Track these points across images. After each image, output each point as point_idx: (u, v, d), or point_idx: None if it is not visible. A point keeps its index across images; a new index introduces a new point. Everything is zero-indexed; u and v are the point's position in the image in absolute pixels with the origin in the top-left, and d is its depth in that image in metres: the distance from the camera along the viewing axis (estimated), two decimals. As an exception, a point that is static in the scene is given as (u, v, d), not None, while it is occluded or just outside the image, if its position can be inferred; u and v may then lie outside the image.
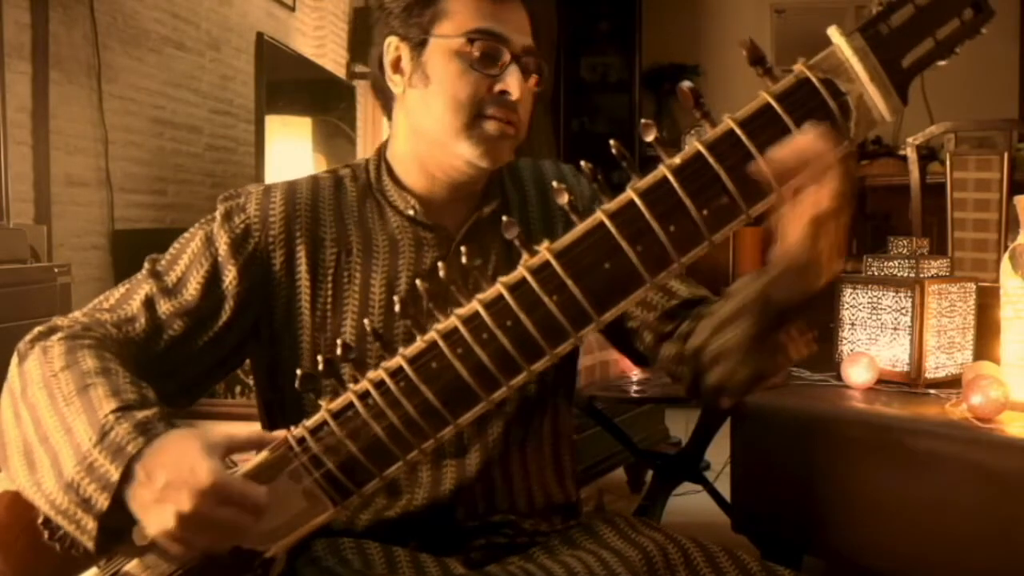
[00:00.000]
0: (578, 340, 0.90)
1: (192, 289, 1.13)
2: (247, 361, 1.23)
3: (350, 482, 0.93)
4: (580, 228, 0.88)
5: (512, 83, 1.11)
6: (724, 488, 2.30)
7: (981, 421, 1.76)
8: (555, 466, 1.24)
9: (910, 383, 2.03)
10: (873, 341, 2.09)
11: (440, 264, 0.94)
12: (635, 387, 2.32)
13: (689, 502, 2.69)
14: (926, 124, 4.07)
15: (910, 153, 3.68)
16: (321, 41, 4.49)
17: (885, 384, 2.06)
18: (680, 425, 2.93)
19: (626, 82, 6.68)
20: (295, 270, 1.15)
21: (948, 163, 3.49)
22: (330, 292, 1.15)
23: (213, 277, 1.13)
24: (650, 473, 2.62)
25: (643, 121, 0.87)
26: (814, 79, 0.84)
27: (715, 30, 6.68)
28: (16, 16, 2.59)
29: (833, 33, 0.85)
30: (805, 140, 0.84)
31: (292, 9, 4.22)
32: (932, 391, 2.00)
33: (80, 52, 2.87)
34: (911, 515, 1.79)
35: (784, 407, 2.02)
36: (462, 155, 1.14)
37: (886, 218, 4.96)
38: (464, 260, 0.91)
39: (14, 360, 1.05)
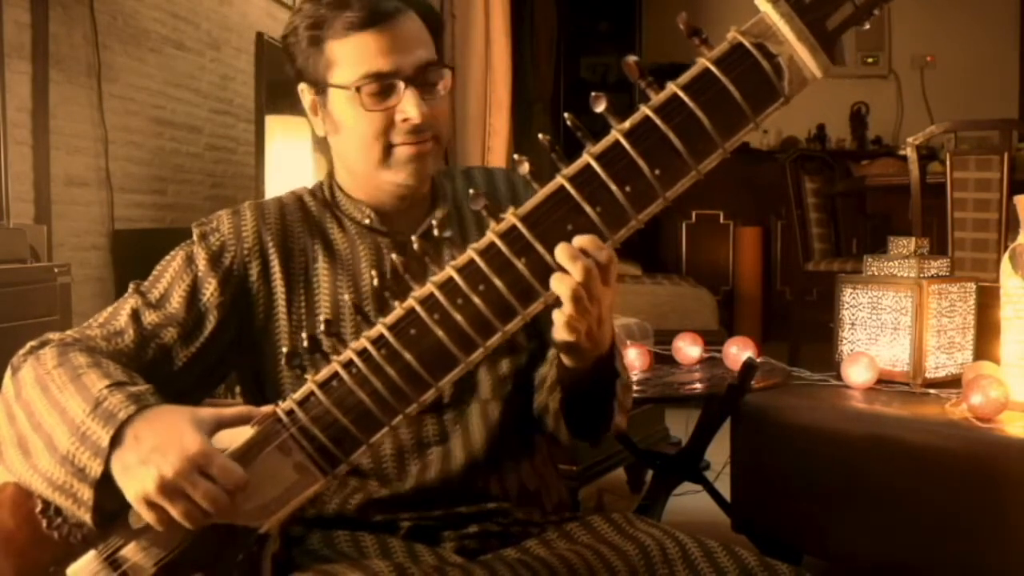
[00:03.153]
0: (548, 299, 0.95)
1: (176, 302, 1.18)
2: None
3: (338, 450, 0.96)
4: (542, 192, 0.94)
5: (410, 109, 1.15)
6: (724, 488, 2.30)
7: (981, 421, 1.76)
8: (529, 454, 1.27)
9: (910, 383, 2.03)
10: (873, 341, 2.08)
11: (415, 240, 0.98)
12: (635, 387, 2.32)
13: (689, 502, 2.69)
14: (926, 124, 4.07)
15: (910, 153, 3.68)
16: (321, 41, 4.49)
17: (885, 384, 2.06)
18: (680, 425, 2.93)
19: (626, 82, 6.63)
20: (271, 279, 1.21)
21: (948, 163, 3.50)
22: (303, 299, 1.21)
23: (194, 290, 1.19)
24: (650, 473, 2.62)
25: (593, 94, 0.92)
26: (746, 43, 0.91)
27: (715, 30, 6.68)
28: (16, 16, 2.59)
29: (760, 1, 0.91)
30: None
31: (292, 9, 4.22)
32: (932, 391, 2.00)
33: (80, 52, 2.87)
34: (911, 515, 1.79)
35: (784, 407, 2.02)
36: (389, 181, 1.20)
37: (886, 218, 4.96)
38: (436, 232, 0.97)
39: (8, 373, 1.09)
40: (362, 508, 1.17)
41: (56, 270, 2.23)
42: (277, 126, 3.15)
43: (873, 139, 6.46)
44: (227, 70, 3.74)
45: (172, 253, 1.22)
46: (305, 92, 1.24)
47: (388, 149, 1.18)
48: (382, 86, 1.15)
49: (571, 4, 6.55)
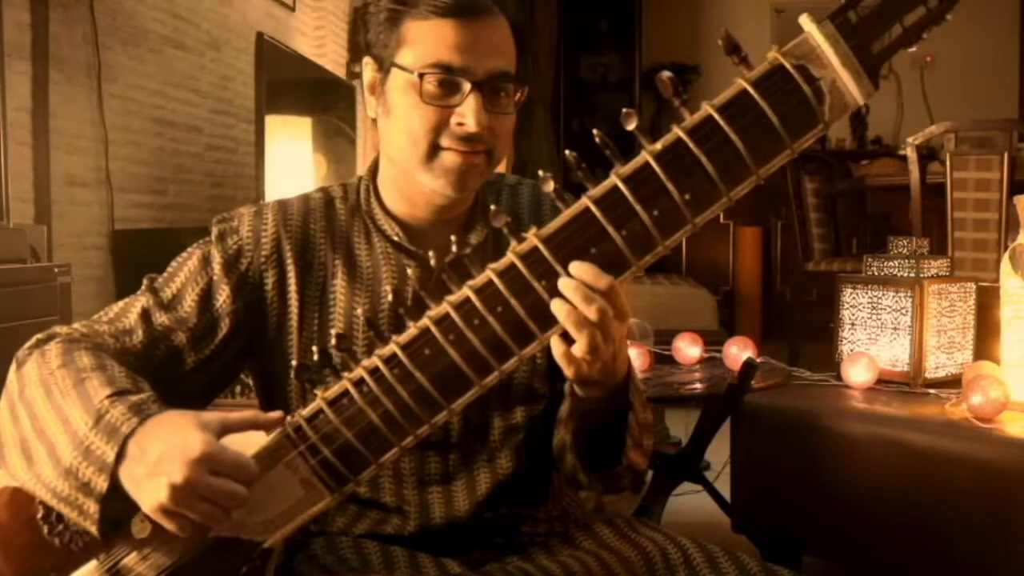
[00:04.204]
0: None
1: (188, 305, 1.14)
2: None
3: (346, 469, 0.94)
4: (566, 214, 0.90)
5: (469, 115, 1.07)
6: (724, 488, 2.29)
7: (981, 421, 1.76)
8: (543, 498, 1.23)
9: (910, 383, 2.03)
10: (873, 341, 2.08)
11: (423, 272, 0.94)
12: (635, 387, 2.32)
13: (689, 502, 2.69)
14: (926, 124, 4.06)
15: (910, 153, 3.68)
16: (321, 41, 4.49)
17: (885, 384, 2.05)
18: (680, 425, 2.93)
19: (626, 82, 6.69)
20: (287, 291, 1.16)
21: (948, 163, 3.49)
22: (316, 315, 1.16)
23: (208, 294, 1.15)
24: (650, 473, 2.62)
25: (624, 110, 0.88)
26: (788, 65, 0.87)
27: (715, 30, 6.69)
28: (16, 16, 2.59)
29: (805, 21, 0.87)
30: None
31: (292, 9, 4.22)
32: (932, 391, 2.00)
33: (80, 52, 2.87)
34: (911, 515, 1.79)
35: (784, 407, 2.02)
36: (427, 185, 1.13)
37: (886, 218, 4.96)
38: (454, 248, 0.92)
39: (13, 367, 1.07)
40: (366, 534, 1.15)
41: (56, 270, 2.23)
42: (277, 126, 3.15)
43: (873, 139, 6.47)
44: (227, 70, 3.74)
45: (189, 250, 1.18)
46: (368, 67, 1.15)
47: (434, 150, 1.10)
48: (447, 80, 1.07)
49: (571, 4, 6.55)
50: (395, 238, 1.18)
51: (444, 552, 1.14)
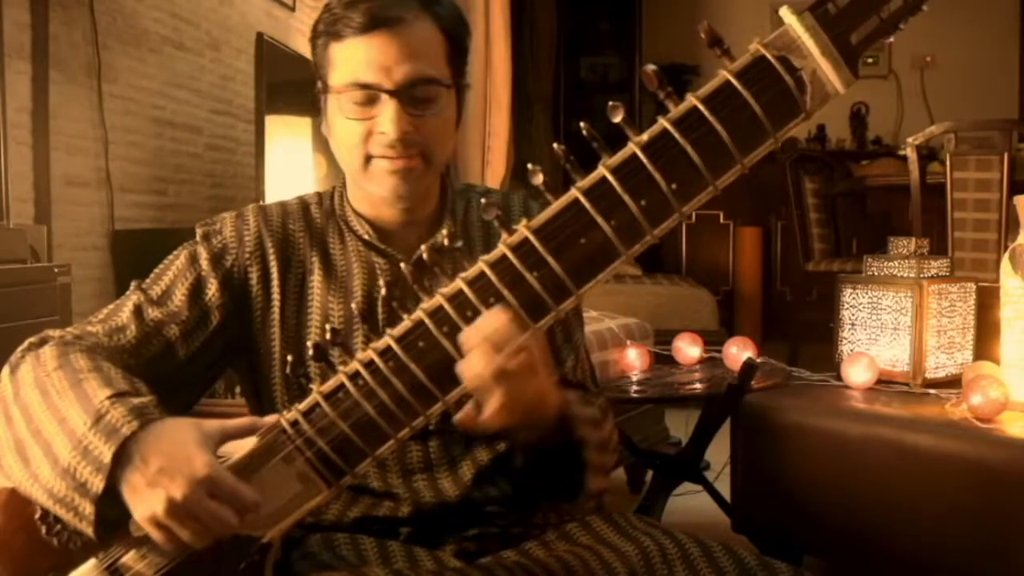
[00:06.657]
0: (559, 314, 0.93)
1: (178, 299, 1.18)
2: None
3: (343, 462, 0.96)
4: (556, 205, 0.92)
5: (386, 123, 1.13)
6: (724, 488, 2.30)
7: (981, 421, 1.76)
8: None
9: (910, 383, 2.03)
10: (873, 341, 2.09)
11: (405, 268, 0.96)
12: (635, 387, 2.32)
13: (689, 502, 2.69)
14: (926, 124, 4.07)
15: (910, 153, 3.68)
16: (321, 41, 4.49)
17: (885, 384, 2.06)
18: (680, 425, 2.92)
19: (626, 82, 6.69)
20: (270, 286, 1.21)
21: (948, 163, 3.49)
22: (296, 310, 1.20)
23: (197, 288, 1.19)
24: (650, 473, 2.62)
25: (610, 103, 0.90)
26: (769, 56, 0.88)
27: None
28: (16, 16, 2.59)
29: (785, 13, 0.89)
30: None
31: (292, 9, 4.22)
32: (932, 391, 2.00)
33: (80, 52, 2.87)
34: (911, 515, 1.79)
35: (784, 407, 2.02)
36: (371, 191, 1.19)
37: (886, 218, 4.96)
38: (446, 243, 0.94)
39: (6, 371, 1.08)
40: (360, 520, 1.16)
41: (56, 270, 2.23)
42: (277, 126, 3.15)
43: (873, 139, 6.46)
44: (227, 70, 3.74)
45: (175, 252, 1.22)
46: (318, 87, 1.22)
47: (367, 160, 1.16)
48: (365, 96, 1.14)
49: (571, 4, 6.55)
50: (366, 237, 1.23)
51: (441, 533, 1.15)
